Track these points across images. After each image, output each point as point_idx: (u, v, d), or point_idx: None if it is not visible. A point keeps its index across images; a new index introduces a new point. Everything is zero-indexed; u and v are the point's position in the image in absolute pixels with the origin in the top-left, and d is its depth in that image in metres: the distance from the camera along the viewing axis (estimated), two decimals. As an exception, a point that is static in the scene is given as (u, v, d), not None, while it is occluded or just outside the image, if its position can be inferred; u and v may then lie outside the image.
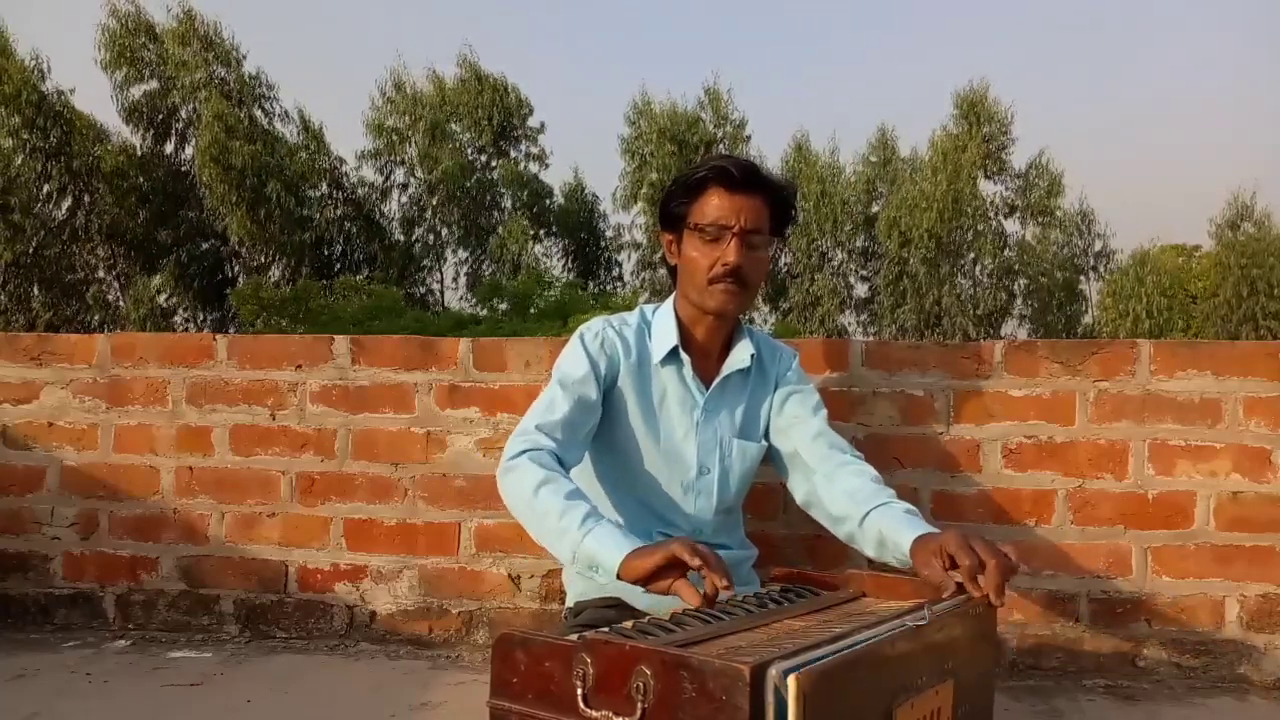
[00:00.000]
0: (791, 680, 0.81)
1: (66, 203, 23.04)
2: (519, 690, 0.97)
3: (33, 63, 21.64)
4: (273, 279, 23.41)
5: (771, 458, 1.66)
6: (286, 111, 24.84)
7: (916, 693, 1.00)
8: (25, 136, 21.62)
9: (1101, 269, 25.82)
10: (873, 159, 25.93)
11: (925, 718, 1.01)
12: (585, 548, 1.26)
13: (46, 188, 22.43)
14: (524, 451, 1.40)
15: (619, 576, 1.22)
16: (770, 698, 0.83)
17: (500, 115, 26.37)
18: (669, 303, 1.62)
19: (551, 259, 27.25)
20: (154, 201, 23.63)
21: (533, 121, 27.29)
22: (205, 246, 24.42)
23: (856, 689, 0.91)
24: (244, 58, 24.06)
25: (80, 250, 23.44)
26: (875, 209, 24.94)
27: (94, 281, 23.92)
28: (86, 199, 23.27)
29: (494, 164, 26.82)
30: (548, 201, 27.19)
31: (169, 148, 24.55)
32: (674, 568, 1.18)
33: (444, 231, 26.58)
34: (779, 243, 1.60)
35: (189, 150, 24.58)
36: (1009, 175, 25.33)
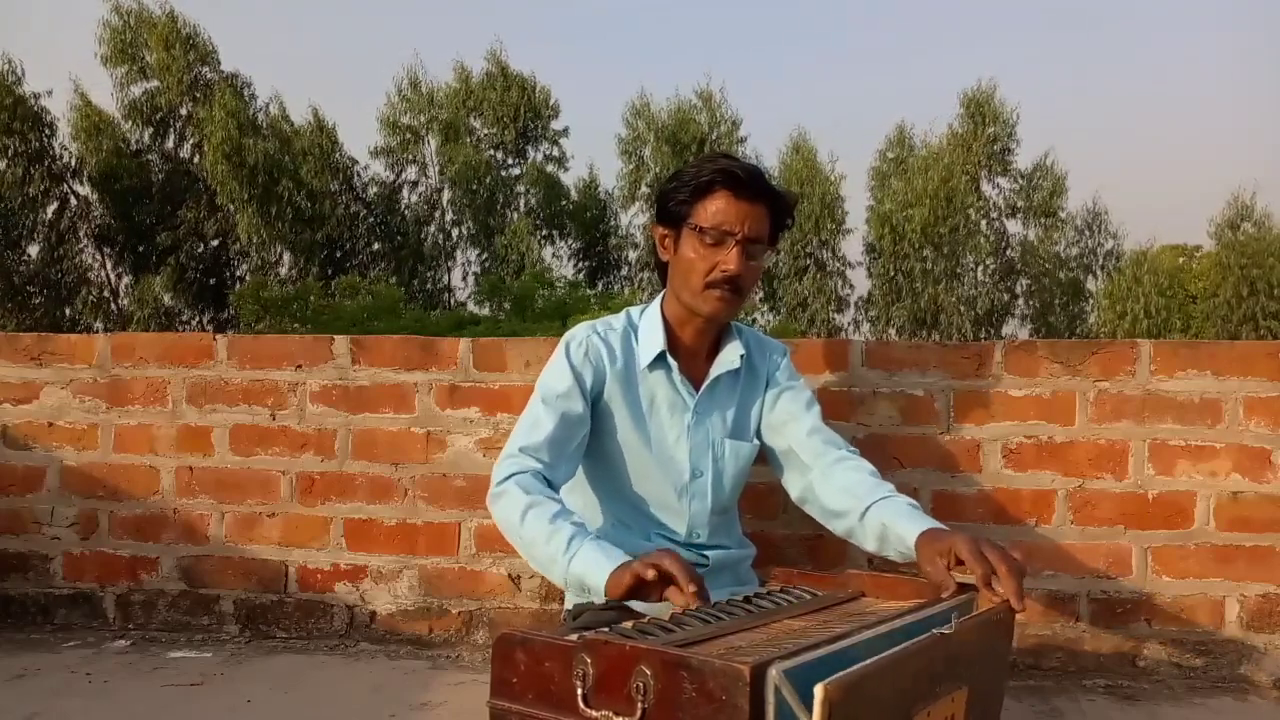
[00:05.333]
0: (819, 689, 0.80)
1: (51, 205, 23.01)
2: (519, 690, 0.97)
3: (5, 66, 21.66)
4: (285, 277, 23.36)
5: (766, 455, 1.65)
6: (267, 106, 24.85)
7: (933, 700, 0.99)
8: (4, 141, 21.64)
9: (1110, 269, 25.78)
10: (890, 155, 25.85)
11: None
12: (574, 572, 1.27)
13: (31, 190, 22.36)
14: (510, 476, 1.40)
15: (607, 596, 1.23)
16: (770, 697, 0.83)
17: (526, 114, 26.14)
18: (655, 304, 1.59)
19: (563, 260, 27.13)
20: (154, 200, 23.61)
21: (557, 124, 26.95)
22: (202, 248, 24.38)
23: (880, 697, 0.90)
24: (218, 58, 24.09)
25: (69, 253, 23.40)
26: (889, 206, 24.81)
27: (87, 284, 23.87)
28: (73, 201, 23.25)
29: (511, 163, 26.63)
30: (563, 203, 27.03)
31: (168, 145, 24.57)
32: (655, 580, 1.18)
33: (455, 231, 26.48)
34: (774, 250, 1.59)
35: (186, 149, 24.60)
36: (1013, 175, 25.31)
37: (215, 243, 24.52)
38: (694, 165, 1.52)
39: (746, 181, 1.46)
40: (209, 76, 23.79)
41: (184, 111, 24.04)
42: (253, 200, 22.62)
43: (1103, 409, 2.03)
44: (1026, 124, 24.99)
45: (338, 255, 25.01)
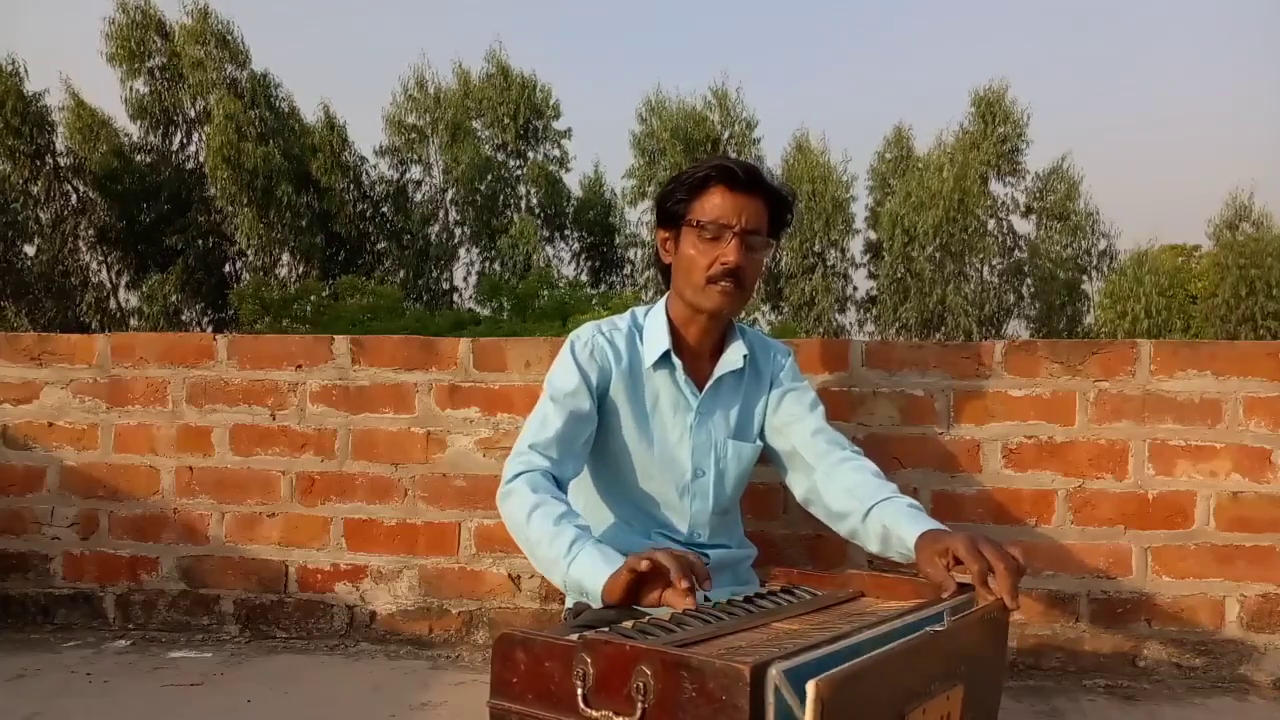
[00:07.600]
0: (810, 686, 0.80)
1: (56, 205, 23.00)
2: (519, 690, 0.97)
3: (11, 66, 21.61)
4: (286, 278, 23.34)
5: (770, 456, 1.66)
6: (295, 109, 24.82)
7: (928, 698, 0.99)
8: (9, 141, 21.63)
9: (1105, 269, 25.79)
10: (888, 156, 25.84)
11: None
12: (572, 576, 1.27)
13: (34, 189, 22.35)
14: (519, 474, 1.41)
15: (604, 600, 1.23)
16: (770, 698, 0.83)
17: (527, 113, 26.05)
18: (660, 304, 1.61)
19: (564, 260, 27.07)
20: (158, 201, 23.58)
21: (559, 125, 26.75)
22: (206, 248, 24.34)
23: (872, 694, 0.90)
24: (249, 57, 24.10)
25: (70, 253, 23.37)
26: (890, 206, 24.78)
27: (88, 287, 23.83)
28: (74, 200, 23.20)
29: (514, 163, 26.54)
30: (565, 203, 26.97)
31: (175, 144, 24.56)
32: (653, 578, 1.18)
33: (458, 231, 26.43)
34: (775, 246, 1.60)
35: (192, 148, 24.61)
36: (1021, 176, 25.32)
37: (225, 243, 24.50)
38: (690, 167, 1.55)
39: (741, 175, 1.48)
40: (235, 75, 23.77)
41: (192, 112, 24.00)
42: (253, 204, 22.59)
43: (1103, 409, 2.03)
44: (1030, 124, 24.96)
45: (343, 255, 24.99)
